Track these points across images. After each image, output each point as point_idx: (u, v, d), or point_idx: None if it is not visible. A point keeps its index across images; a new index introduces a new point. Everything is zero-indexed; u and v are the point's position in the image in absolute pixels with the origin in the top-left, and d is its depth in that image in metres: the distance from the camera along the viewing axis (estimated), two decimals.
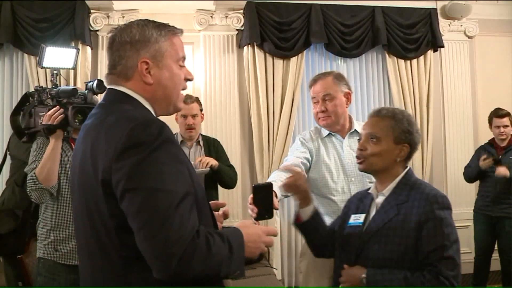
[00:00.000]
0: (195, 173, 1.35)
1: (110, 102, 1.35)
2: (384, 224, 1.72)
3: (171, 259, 1.10)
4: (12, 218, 2.64)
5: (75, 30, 4.32)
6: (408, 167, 1.82)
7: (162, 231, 1.10)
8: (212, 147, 3.48)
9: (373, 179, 2.49)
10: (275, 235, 1.50)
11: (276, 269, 4.45)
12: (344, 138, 2.55)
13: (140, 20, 1.38)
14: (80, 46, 4.32)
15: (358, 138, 1.91)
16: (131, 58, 1.32)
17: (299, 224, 1.96)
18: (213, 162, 3.24)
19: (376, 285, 1.63)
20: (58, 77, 2.51)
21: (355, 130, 2.55)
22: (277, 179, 2.16)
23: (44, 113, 2.29)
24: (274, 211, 1.69)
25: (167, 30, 1.37)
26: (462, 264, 4.65)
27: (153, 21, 1.38)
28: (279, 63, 4.69)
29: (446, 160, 5.12)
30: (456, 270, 1.60)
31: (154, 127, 1.19)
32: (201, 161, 3.21)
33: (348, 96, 2.54)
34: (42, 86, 2.46)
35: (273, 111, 4.66)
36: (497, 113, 4.31)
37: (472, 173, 4.38)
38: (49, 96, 2.39)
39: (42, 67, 2.51)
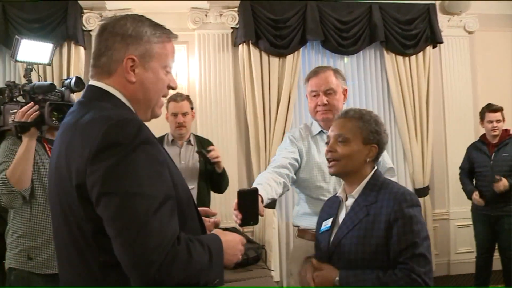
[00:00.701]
0: (179, 175, 1.29)
1: (89, 100, 1.29)
2: (354, 225, 1.70)
3: (150, 267, 1.05)
4: None
5: (68, 30, 4.28)
6: (376, 168, 1.82)
7: (139, 238, 1.05)
8: (205, 147, 3.40)
9: None
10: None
11: (273, 270, 4.38)
12: None
13: (137, 15, 1.33)
14: (73, 46, 4.29)
15: (326, 141, 1.87)
16: (118, 52, 1.27)
17: None
18: (221, 162, 3.23)
19: (349, 285, 1.63)
20: (31, 73, 2.37)
21: None
22: (264, 182, 2.09)
23: (15, 111, 2.16)
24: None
25: (163, 32, 1.33)
26: (464, 264, 4.62)
27: (150, 20, 1.33)
28: (275, 61, 4.62)
29: (447, 158, 5.05)
30: (428, 267, 1.59)
31: (131, 127, 1.14)
32: (214, 150, 3.18)
33: (345, 93, 2.47)
34: (14, 82, 2.32)
35: (269, 110, 4.59)
36: (490, 108, 4.25)
37: (465, 188, 4.43)
38: (21, 93, 2.25)
39: (16, 61, 2.37)
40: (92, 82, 1.31)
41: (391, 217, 1.62)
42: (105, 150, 1.10)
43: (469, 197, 4.31)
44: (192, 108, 3.48)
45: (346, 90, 2.47)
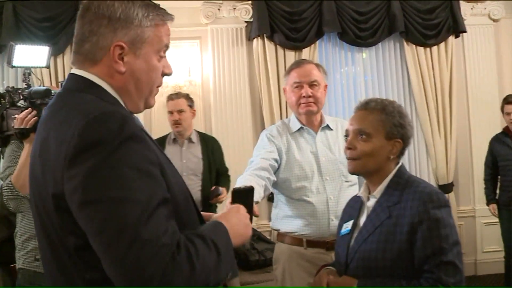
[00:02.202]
0: (176, 175, 1.14)
1: (69, 91, 1.12)
2: (375, 229, 1.52)
3: (149, 283, 0.89)
4: (5, 225, 2.49)
5: None
6: (400, 163, 1.64)
7: (132, 252, 0.88)
8: (209, 145, 3.37)
9: (349, 178, 2.27)
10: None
11: None
12: (316, 133, 2.32)
13: None
14: None
15: (345, 134, 1.70)
16: (104, 37, 1.08)
17: None
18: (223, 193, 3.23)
19: None
20: (30, 77, 2.35)
21: (327, 125, 2.34)
22: (249, 183, 1.95)
23: (17, 116, 2.14)
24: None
25: (156, 14, 1.14)
26: (492, 263, 4.41)
27: (143, 0, 1.14)
28: (290, 55, 4.50)
29: (472, 153, 4.85)
30: (458, 277, 1.40)
31: (113, 121, 0.97)
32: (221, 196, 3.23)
33: (325, 88, 2.34)
34: (13, 87, 2.31)
35: (285, 105, 4.45)
36: (508, 99, 4.05)
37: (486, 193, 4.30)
38: (21, 98, 2.24)
39: (12, 67, 2.33)
40: (73, 70, 1.14)
41: (415, 220, 1.44)
42: (84, 151, 0.94)
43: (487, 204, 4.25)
44: (191, 106, 3.46)
45: (326, 86, 2.34)
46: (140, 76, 1.12)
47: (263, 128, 4.51)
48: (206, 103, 4.58)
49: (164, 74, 1.20)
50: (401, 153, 1.63)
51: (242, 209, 1.24)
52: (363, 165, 1.59)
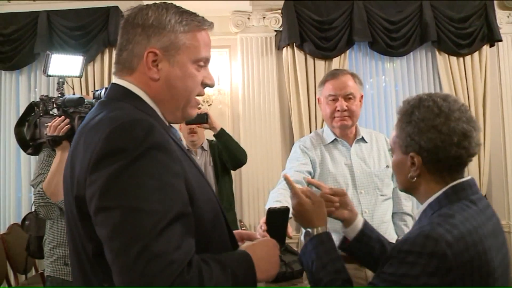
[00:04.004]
0: (204, 189, 1.10)
1: (109, 99, 1.12)
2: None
3: None
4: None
5: (109, 36, 4.28)
6: (448, 187, 1.25)
7: (140, 262, 0.86)
8: (216, 149, 3.28)
9: (384, 192, 2.18)
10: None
11: None
12: (351, 146, 2.25)
13: (164, 2, 1.14)
14: (114, 52, 4.26)
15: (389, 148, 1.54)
16: (139, 45, 1.09)
17: (349, 246, 1.58)
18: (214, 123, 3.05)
19: None
20: (64, 86, 2.38)
21: (362, 137, 2.27)
22: (282, 199, 1.89)
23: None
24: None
25: (191, 20, 1.12)
26: None
27: (177, 6, 1.13)
28: (320, 64, 4.46)
29: (506, 167, 4.69)
30: None
31: (139, 129, 0.95)
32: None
33: (361, 99, 2.27)
34: (47, 95, 2.33)
35: (315, 115, 4.42)
36: None
37: None
38: (54, 106, 2.26)
39: (48, 76, 2.37)
40: (114, 80, 1.15)
41: (389, 255, 1.20)
42: (106, 157, 0.93)
43: None
44: None
45: (362, 96, 2.27)
46: (175, 84, 1.11)
47: (291, 138, 4.48)
48: (235, 112, 4.57)
49: (205, 85, 1.18)
50: (431, 171, 1.26)
51: (273, 245, 1.18)
52: (398, 182, 1.42)
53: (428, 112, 1.23)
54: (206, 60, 1.17)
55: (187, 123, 3.05)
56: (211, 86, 1.20)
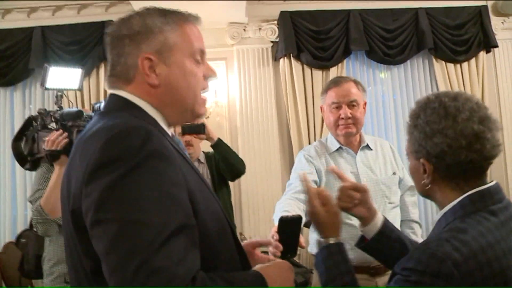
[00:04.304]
0: (209, 200, 1.04)
1: (108, 111, 1.07)
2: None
3: None
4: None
5: (104, 51, 4.19)
6: (464, 197, 1.14)
7: (139, 277, 0.80)
8: (213, 161, 3.21)
9: (392, 199, 2.13)
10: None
11: None
12: (356, 153, 2.21)
13: (146, 8, 1.10)
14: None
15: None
16: (130, 55, 1.05)
17: (367, 245, 1.51)
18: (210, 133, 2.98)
19: None
20: (62, 99, 2.34)
21: (367, 144, 2.23)
22: (289, 209, 1.84)
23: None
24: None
25: (176, 16, 1.09)
26: None
27: (160, 8, 1.10)
28: (318, 74, 4.44)
29: (507, 173, 4.68)
30: None
31: (136, 136, 0.90)
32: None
33: (365, 106, 2.23)
34: (45, 109, 2.28)
35: (313, 125, 4.39)
36: None
37: None
38: (53, 120, 2.21)
39: (46, 89, 2.33)
40: (112, 91, 1.10)
41: (394, 272, 1.13)
42: (102, 167, 0.88)
43: None
44: None
45: (365, 103, 2.23)
46: (178, 85, 1.07)
47: (290, 149, 4.44)
48: (233, 124, 4.52)
49: (208, 77, 1.14)
50: (444, 177, 1.16)
51: (288, 268, 1.13)
52: (417, 190, 1.35)
53: (433, 115, 1.15)
54: (202, 53, 1.12)
55: (183, 133, 2.99)
56: (214, 76, 1.16)
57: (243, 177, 3.27)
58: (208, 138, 2.99)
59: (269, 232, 1.42)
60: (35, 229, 2.24)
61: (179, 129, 3.10)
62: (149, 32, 1.05)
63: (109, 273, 0.84)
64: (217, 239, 1.01)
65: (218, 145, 3.02)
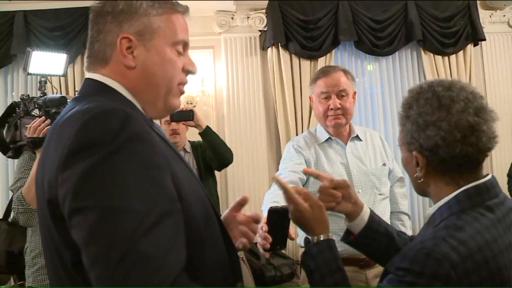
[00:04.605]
0: (193, 184, 1.01)
1: (83, 95, 1.02)
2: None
3: None
4: (25, 235, 2.37)
5: None
6: (459, 191, 1.09)
7: (122, 268, 0.75)
8: (199, 150, 3.18)
9: (382, 191, 2.10)
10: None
11: None
12: (346, 144, 2.17)
13: None
14: None
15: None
16: (110, 33, 1.01)
17: (353, 240, 1.46)
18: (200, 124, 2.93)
19: None
20: (45, 85, 2.27)
21: (357, 135, 2.20)
22: (279, 200, 1.80)
23: None
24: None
25: (164, 2, 1.05)
26: None
27: None
28: (306, 64, 4.40)
29: (492, 164, 4.70)
30: None
31: (114, 119, 0.85)
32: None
33: (355, 96, 2.19)
34: (28, 95, 2.22)
35: (301, 116, 4.37)
36: None
37: None
38: (36, 106, 2.14)
39: (28, 74, 2.26)
40: (88, 75, 1.06)
41: (386, 270, 1.09)
42: (79, 152, 0.83)
43: None
44: None
45: (355, 92, 2.19)
46: (154, 70, 1.02)
47: (277, 139, 4.41)
48: (220, 114, 4.48)
49: (187, 72, 1.09)
50: (439, 170, 1.11)
51: None
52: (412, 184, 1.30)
53: (426, 106, 1.09)
54: (185, 44, 1.08)
55: (172, 120, 2.92)
56: (193, 72, 1.11)
57: (229, 167, 3.24)
58: (197, 126, 2.94)
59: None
60: (10, 220, 2.18)
61: (167, 116, 3.05)
62: (133, 13, 1.01)
63: (89, 265, 0.80)
64: (203, 223, 0.98)
65: (207, 133, 2.96)
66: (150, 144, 0.88)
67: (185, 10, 1.10)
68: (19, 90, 4.32)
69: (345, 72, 2.17)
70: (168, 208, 0.84)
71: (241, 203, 1.30)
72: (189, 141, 3.27)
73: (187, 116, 2.87)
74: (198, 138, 3.11)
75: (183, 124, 3.06)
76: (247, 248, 1.28)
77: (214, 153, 2.99)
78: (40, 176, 0.94)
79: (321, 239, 1.24)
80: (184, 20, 1.09)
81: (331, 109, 2.10)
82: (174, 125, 3.12)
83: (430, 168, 1.13)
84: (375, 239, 1.42)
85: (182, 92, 1.10)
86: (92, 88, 1.02)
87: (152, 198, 0.83)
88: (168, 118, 3.02)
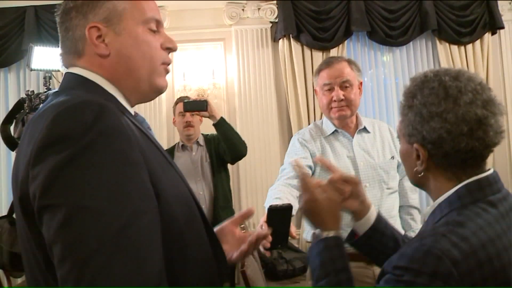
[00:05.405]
0: (175, 180, 0.96)
1: (62, 89, 0.99)
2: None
3: None
4: None
5: None
6: (460, 186, 1.03)
7: (87, 273, 0.71)
8: (213, 143, 3.14)
9: (390, 185, 2.03)
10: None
11: None
12: (353, 137, 2.11)
13: None
14: None
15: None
16: (78, 27, 0.98)
17: (357, 241, 1.40)
18: (214, 111, 2.87)
19: None
20: (50, 80, 2.25)
21: (364, 127, 2.14)
22: (282, 196, 1.76)
23: None
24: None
25: None
26: None
27: None
28: (318, 55, 4.33)
29: (510, 156, 4.58)
30: None
31: (87, 111, 0.81)
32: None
33: (361, 86, 2.12)
34: (33, 91, 2.22)
35: (313, 108, 4.31)
36: None
37: None
38: (41, 102, 2.15)
39: (32, 70, 2.25)
40: (67, 70, 1.03)
41: (383, 270, 1.03)
42: (49, 146, 0.78)
43: None
44: None
45: (361, 83, 2.12)
46: (130, 53, 0.99)
47: (290, 131, 4.37)
48: (231, 107, 4.45)
49: (167, 49, 1.06)
50: (439, 164, 1.05)
51: None
52: (408, 177, 1.23)
53: (431, 96, 1.02)
54: (158, 23, 1.04)
55: (185, 110, 2.88)
56: (174, 49, 1.07)
57: (241, 161, 3.20)
58: (211, 116, 2.87)
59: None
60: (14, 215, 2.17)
61: (181, 107, 3.02)
62: (95, 1, 0.98)
63: (56, 265, 0.75)
64: (184, 222, 0.93)
65: (221, 124, 2.89)
66: (125, 139, 0.83)
67: None
68: (31, 85, 4.34)
69: (350, 62, 2.11)
70: (141, 207, 0.80)
71: (245, 216, 1.27)
72: (202, 134, 3.24)
73: (201, 106, 2.81)
74: (211, 131, 3.07)
75: (197, 115, 3.02)
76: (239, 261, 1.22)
77: (228, 145, 2.93)
78: (14, 172, 0.91)
79: (330, 235, 1.17)
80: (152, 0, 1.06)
81: (335, 100, 2.05)
82: (188, 117, 3.08)
83: (431, 162, 1.06)
84: (381, 242, 1.35)
85: (167, 71, 1.07)
86: (70, 82, 0.98)
87: (124, 196, 0.78)
88: (182, 109, 2.98)
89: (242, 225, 3.39)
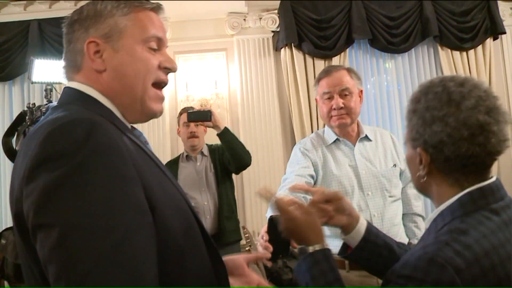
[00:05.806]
0: (173, 194, 0.96)
1: (60, 104, 0.99)
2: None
3: None
4: None
5: None
6: (463, 194, 1.03)
7: None
8: (217, 153, 3.14)
9: (393, 193, 2.02)
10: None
11: None
12: (354, 145, 2.11)
13: None
14: None
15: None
16: (79, 40, 0.99)
17: (351, 254, 1.39)
18: (218, 125, 2.85)
19: None
20: (51, 93, 2.27)
21: (366, 135, 2.13)
22: None
23: None
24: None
25: (130, 2, 1.03)
26: None
27: None
28: (320, 64, 4.34)
29: (499, 166, 4.55)
30: None
31: (80, 129, 0.81)
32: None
33: (361, 94, 2.12)
34: (34, 104, 2.24)
35: (316, 116, 4.31)
36: None
37: None
38: (42, 114, 2.16)
39: (32, 82, 2.26)
40: (67, 84, 1.04)
41: (386, 279, 1.02)
42: (42, 164, 0.79)
43: None
44: None
45: (361, 91, 2.12)
46: (125, 71, 0.99)
47: (293, 140, 4.36)
48: (234, 116, 4.45)
49: (165, 69, 1.05)
50: (443, 170, 1.05)
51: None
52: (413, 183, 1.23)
53: (434, 100, 1.02)
54: (159, 41, 1.04)
55: (189, 120, 2.88)
56: (173, 70, 1.07)
57: (245, 171, 3.20)
58: (215, 126, 2.86)
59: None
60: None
61: (185, 118, 3.02)
62: (98, 16, 0.99)
63: (51, 284, 0.75)
64: (182, 236, 0.92)
65: (225, 133, 2.88)
66: (118, 154, 0.83)
67: (155, 6, 1.06)
68: (35, 97, 4.36)
69: (349, 70, 2.11)
70: (136, 222, 0.80)
71: (261, 258, 1.27)
72: (206, 144, 3.25)
73: (204, 116, 2.80)
74: (215, 141, 3.07)
75: (201, 125, 3.02)
76: None
77: (232, 155, 2.93)
78: (11, 189, 0.91)
79: (317, 248, 1.17)
80: (156, 17, 1.06)
81: (334, 109, 2.05)
82: (192, 127, 3.09)
83: (433, 167, 1.06)
84: (374, 252, 1.34)
85: (160, 97, 1.06)
86: (68, 97, 0.99)
87: (118, 213, 0.78)
88: (186, 120, 2.98)
89: (247, 234, 3.36)
